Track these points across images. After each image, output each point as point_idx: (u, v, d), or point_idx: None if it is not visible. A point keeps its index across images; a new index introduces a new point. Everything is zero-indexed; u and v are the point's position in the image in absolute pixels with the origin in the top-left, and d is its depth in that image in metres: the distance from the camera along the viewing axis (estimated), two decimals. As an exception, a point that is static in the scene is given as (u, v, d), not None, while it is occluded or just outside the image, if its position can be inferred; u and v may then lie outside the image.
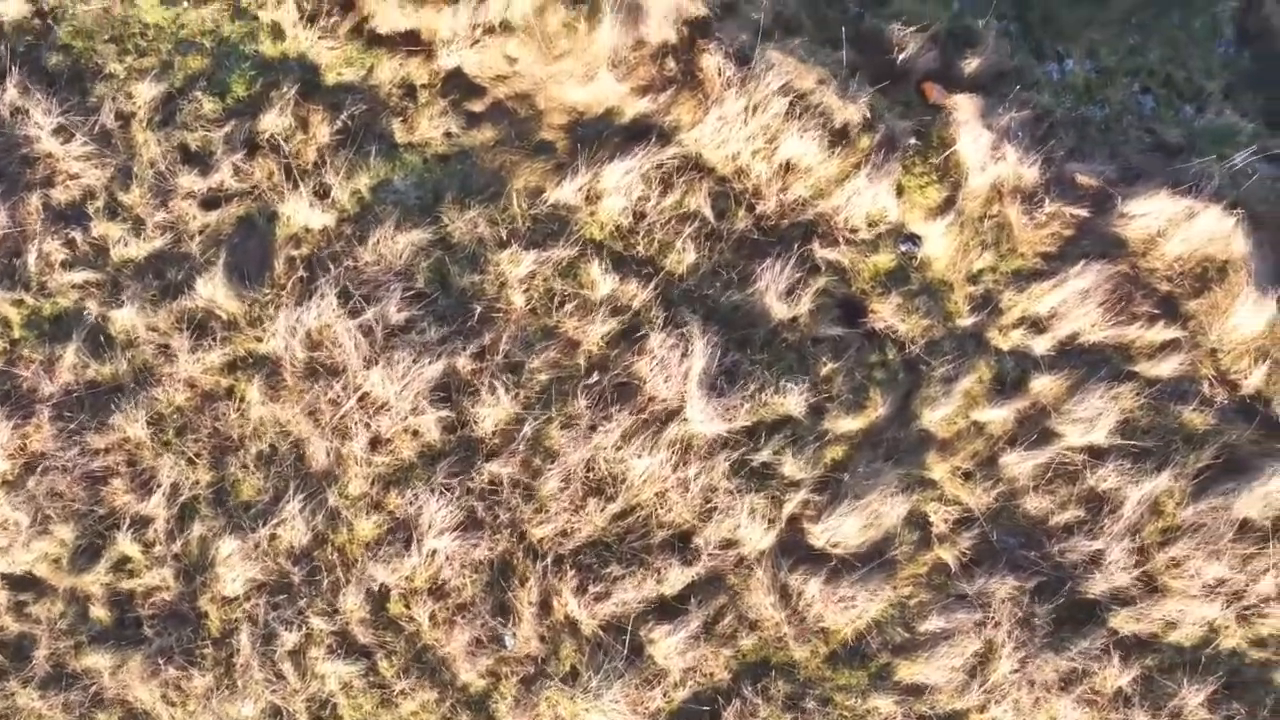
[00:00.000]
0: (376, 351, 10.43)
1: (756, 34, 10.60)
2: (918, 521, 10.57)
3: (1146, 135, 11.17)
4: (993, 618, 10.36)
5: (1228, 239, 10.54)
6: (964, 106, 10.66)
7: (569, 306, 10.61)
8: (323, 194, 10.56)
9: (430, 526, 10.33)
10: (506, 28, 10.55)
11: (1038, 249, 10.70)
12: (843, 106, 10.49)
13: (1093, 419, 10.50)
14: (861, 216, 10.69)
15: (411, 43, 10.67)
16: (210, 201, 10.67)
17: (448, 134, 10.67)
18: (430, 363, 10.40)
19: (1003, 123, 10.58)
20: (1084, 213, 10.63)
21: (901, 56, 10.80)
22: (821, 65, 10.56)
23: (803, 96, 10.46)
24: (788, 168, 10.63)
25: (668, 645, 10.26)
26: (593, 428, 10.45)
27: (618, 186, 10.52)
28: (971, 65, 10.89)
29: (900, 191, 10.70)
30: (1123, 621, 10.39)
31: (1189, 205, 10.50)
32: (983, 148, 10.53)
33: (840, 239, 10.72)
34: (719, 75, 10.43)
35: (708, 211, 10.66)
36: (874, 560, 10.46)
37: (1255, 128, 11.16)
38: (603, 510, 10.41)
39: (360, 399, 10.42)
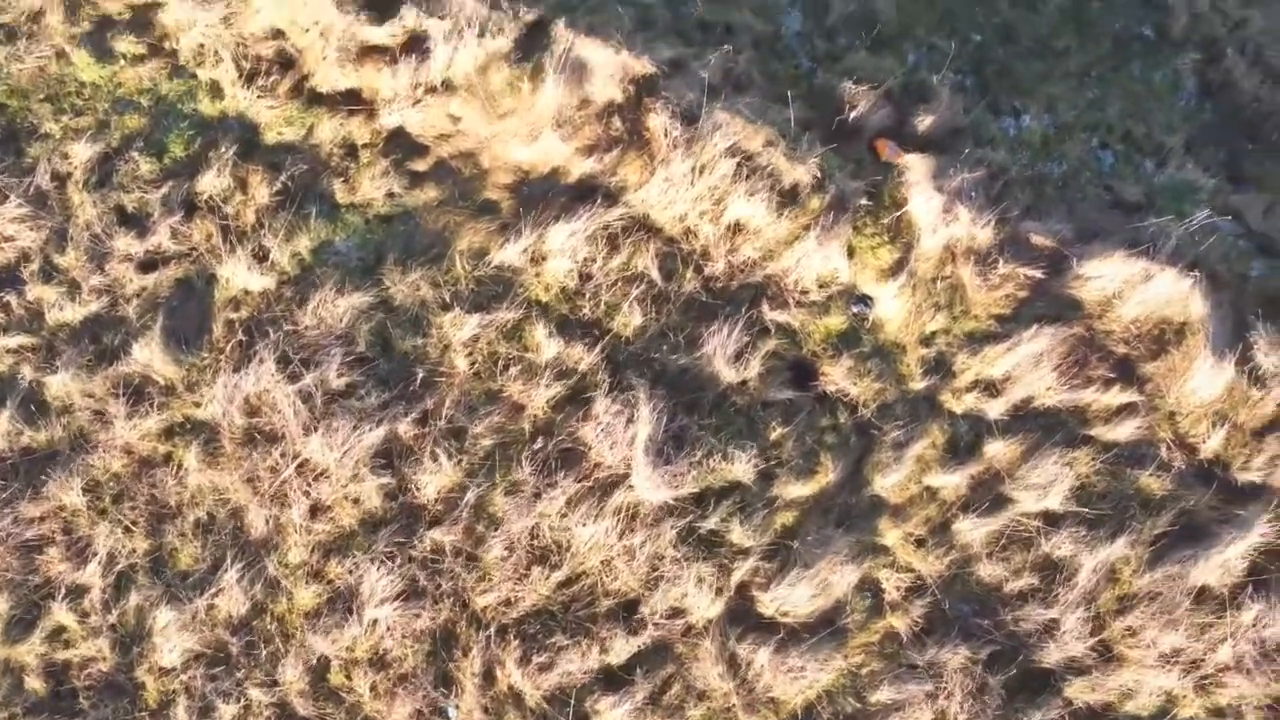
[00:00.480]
0: (316, 418, 10.23)
1: (704, 92, 10.40)
2: (869, 589, 10.36)
3: (1105, 192, 10.95)
4: (945, 688, 10.14)
5: (1185, 301, 10.33)
6: (916, 166, 10.45)
7: (513, 370, 10.41)
8: (262, 256, 10.36)
9: (371, 595, 10.13)
10: (449, 87, 10.35)
11: (992, 311, 10.49)
12: (792, 167, 10.28)
13: (1047, 485, 10.29)
14: (812, 278, 10.49)
15: (353, 102, 10.48)
16: (147, 264, 10.49)
17: (390, 194, 10.47)
18: (371, 429, 10.20)
19: (955, 183, 10.37)
20: (1039, 274, 10.42)
21: (853, 114, 10.59)
22: (770, 125, 10.35)
23: (750, 157, 10.26)
24: (736, 229, 10.43)
25: (613, 717, 10.05)
26: (537, 494, 10.25)
27: (563, 248, 10.33)
28: (925, 123, 10.68)
29: (851, 252, 10.50)
30: (1078, 691, 10.17)
31: (1145, 267, 10.29)
32: (935, 209, 10.33)
33: (790, 301, 10.52)
34: (665, 136, 10.24)
35: (655, 273, 10.47)
36: (824, 629, 10.25)
37: (1217, 183, 10.94)
38: (547, 579, 10.20)
39: (299, 466, 10.23)
